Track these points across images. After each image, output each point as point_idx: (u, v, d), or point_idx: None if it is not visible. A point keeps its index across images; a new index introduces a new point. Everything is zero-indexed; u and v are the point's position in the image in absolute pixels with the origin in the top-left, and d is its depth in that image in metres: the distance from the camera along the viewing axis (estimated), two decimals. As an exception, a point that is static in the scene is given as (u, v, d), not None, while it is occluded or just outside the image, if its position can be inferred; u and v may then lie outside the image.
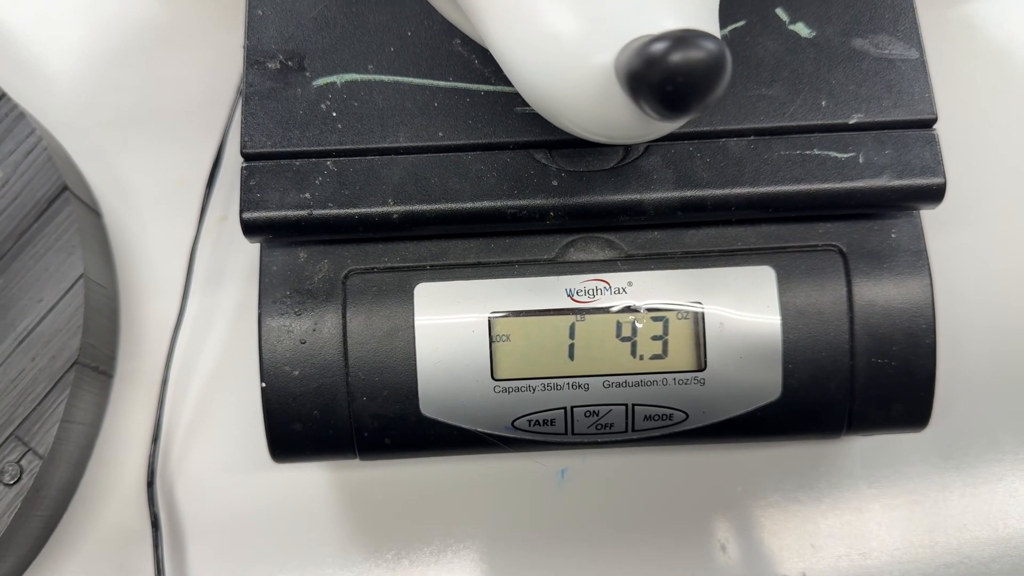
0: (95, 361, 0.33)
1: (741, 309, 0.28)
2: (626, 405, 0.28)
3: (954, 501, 0.33)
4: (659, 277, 0.29)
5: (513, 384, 0.28)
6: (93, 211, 0.35)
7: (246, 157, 0.28)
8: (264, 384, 0.28)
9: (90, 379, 0.33)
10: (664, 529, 0.32)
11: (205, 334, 0.34)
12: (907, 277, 0.29)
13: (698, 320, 0.28)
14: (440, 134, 0.28)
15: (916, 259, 0.29)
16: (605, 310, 0.28)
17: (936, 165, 0.28)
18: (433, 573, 0.32)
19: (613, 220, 0.28)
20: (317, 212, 0.28)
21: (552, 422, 0.29)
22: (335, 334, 0.28)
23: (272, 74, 0.28)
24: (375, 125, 0.28)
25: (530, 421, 0.29)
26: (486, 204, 0.28)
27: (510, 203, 0.28)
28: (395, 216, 0.28)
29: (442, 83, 0.28)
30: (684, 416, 0.29)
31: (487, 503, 0.33)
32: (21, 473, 0.30)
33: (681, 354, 0.28)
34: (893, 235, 0.29)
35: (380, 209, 0.28)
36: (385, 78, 0.29)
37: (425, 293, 0.29)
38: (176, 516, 0.33)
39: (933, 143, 0.28)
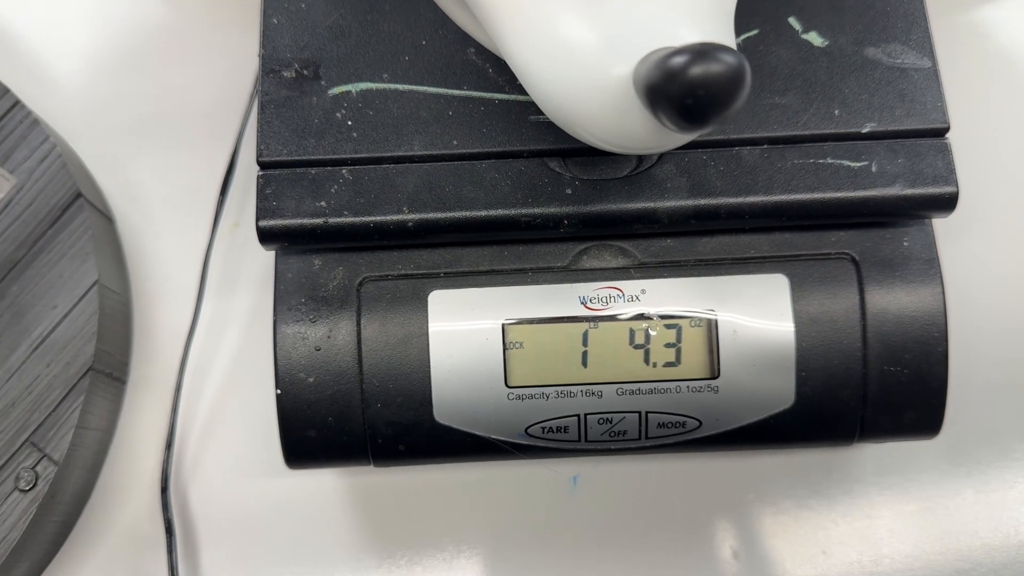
0: (109, 367, 0.33)
1: (754, 317, 0.28)
2: (639, 413, 0.29)
3: (966, 508, 0.33)
4: (672, 285, 0.29)
5: (527, 391, 0.28)
6: (106, 217, 0.36)
7: (262, 165, 0.28)
8: (279, 391, 0.28)
9: (104, 385, 0.33)
10: (676, 535, 0.33)
11: (218, 340, 0.34)
12: (919, 285, 0.29)
13: (711, 328, 0.28)
14: (455, 142, 0.28)
15: (928, 267, 0.29)
16: (618, 318, 0.28)
17: (949, 174, 0.28)
18: (446, 579, 0.32)
19: (626, 228, 0.28)
20: (332, 220, 0.28)
21: (565, 429, 0.29)
22: (350, 341, 0.28)
23: (288, 83, 0.29)
24: (390, 134, 0.28)
25: (544, 428, 0.29)
26: (500, 212, 0.28)
27: (524, 211, 0.28)
28: (410, 224, 0.28)
29: (457, 92, 0.29)
30: (697, 424, 0.29)
31: (500, 509, 0.33)
32: (36, 479, 0.30)
33: (694, 362, 0.28)
34: (905, 243, 0.29)
35: (395, 217, 0.28)
36: (400, 87, 0.29)
37: (439, 300, 0.29)
38: (190, 522, 0.33)
39: (945, 152, 0.28)
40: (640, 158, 0.28)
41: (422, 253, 0.29)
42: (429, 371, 0.28)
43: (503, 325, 0.28)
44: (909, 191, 0.28)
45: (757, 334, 0.28)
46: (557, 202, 0.28)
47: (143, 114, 0.37)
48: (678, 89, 0.19)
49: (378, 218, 0.28)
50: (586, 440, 0.29)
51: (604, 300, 0.29)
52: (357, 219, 0.28)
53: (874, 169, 0.28)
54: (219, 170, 0.35)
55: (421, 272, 0.29)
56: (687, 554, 0.32)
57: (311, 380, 0.28)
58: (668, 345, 0.28)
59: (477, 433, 0.29)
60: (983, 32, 0.37)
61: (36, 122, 0.34)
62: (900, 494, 0.33)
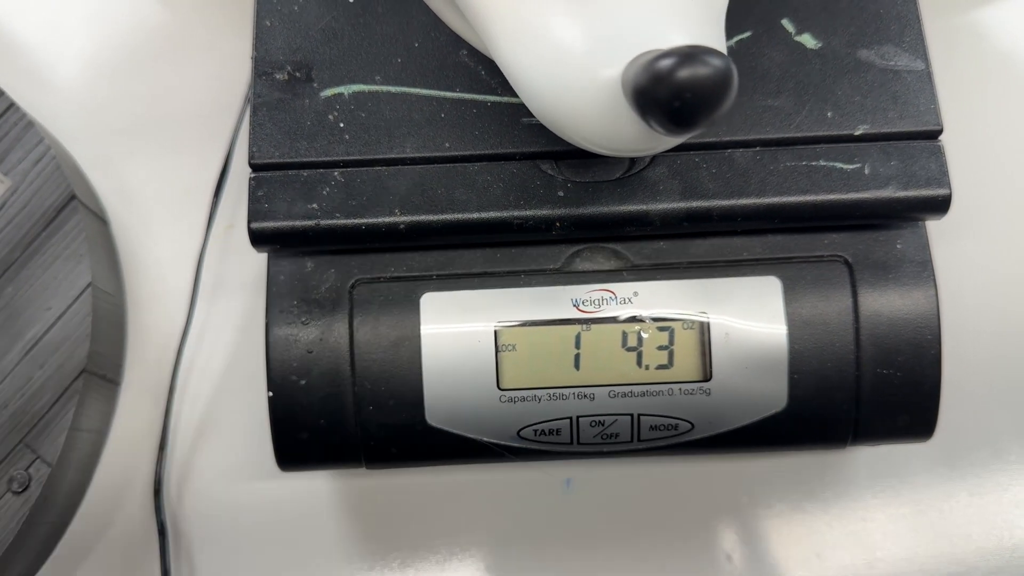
0: (103, 369, 0.33)
1: (747, 319, 0.28)
2: (632, 415, 0.29)
3: (959, 511, 0.33)
4: (665, 287, 0.29)
5: (519, 394, 0.28)
6: (100, 219, 0.36)
7: (254, 168, 0.28)
8: (271, 393, 0.28)
9: (97, 387, 0.33)
10: (669, 539, 0.32)
11: (212, 342, 0.34)
12: (912, 288, 0.29)
13: (704, 330, 0.28)
14: (447, 145, 0.28)
15: (921, 270, 0.29)
16: (611, 320, 0.28)
17: (942, 176, 0.28)
18: (439, 581, 0.32)
19: (619, 230, 0.28)
20: (324, 222, 0.28)
21: (558, 432, 0.29)
22: (342, 343, 0.28)
23: (280, 85, 0.29)
24: (382, 136, 0.28)
25: (536, 431, 0.29)
26: (492, 214, 0.28)
27: (516, 213, 0.28)
28: (402, 226, 0.28)
29: (449, 94, 0.29)
30: (690, 426, 0.29)
31: (493, 511, 0.33)
32: (30, 481, 0.30)
33: (687, 364, 0.28)
34: (899, 246, 0.29)
35: (387, 219, 0.28)
36: (392, 89, 0.29)
37: (431, 303, 0.29)
38: (183, 524, 0.33)
39: (939, 154, 0.28)
40: (632, 160, 0.28)
41: (414, 255, 0.29)
42: (421, 373, 0.28)
43: (495, 328, 0.28)
44: (902, 193, 0.28)
45: (749, 336, 0.28)
46: (549, 204, 0.28)
47: (137, 116, 0.37)
48: (665, 92, 0.19)
49: (370, 220, 0.28)
50: (578, 443, 0.29)
51: (597, 302, 0.29)
52: (349, 221, 0.28)
53: (867, 171, 0.28)
54: (213, 172, 0.35)
55: (413, 274, 0.29)
56: (680, 558, 0.32)
57: (303, 382, 0.28)
58: (660, 347, 0.28)
59: (469, 436, 0.29)
60: (977, 33, 0.37)
61: (31, 124, 0.34)
62: (894, 497, 0.33)
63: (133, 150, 0.37)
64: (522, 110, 0.28)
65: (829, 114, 0.28)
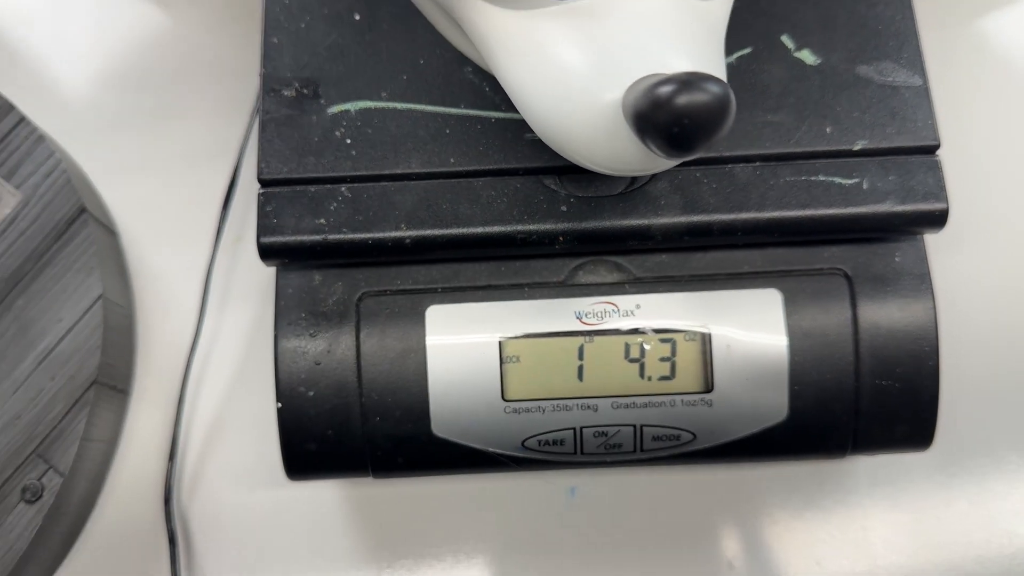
0: (113, 379, 0.33)
1: (748, 331, 0.29)
2: (634, 426, 0.29)
3: (959, 519, 0.33)
4: (667, 299, 0.29)
5: (523, 405, 0.29)
6: (110, 231, 0.36)
7: (263, 183, 0.29)
8: (280, 404, 0.29)
9: (108, 397, 0.33)
10: (672, 547, 0.33)
11: (220, 352, 0.35)
12: (911, 300, 0.29)
13: (705, 342, 0.29)
14: (452, 160, 0.29)
15: (920, 283, 0.29)
16: (614, 332, 0.29)
17: (939, 191, 0.28)
18: (444, 589, 0.33)
19: (621, 244, 0.29)
20: (332, 237, 0.28)
21: (562, 442, 0.29)
22: (349, 355, 0.29)
23: (288, 102, 0.29)
24: (388, 152, 0.29)
25: (540, 441, 0.29)
26: (497, 229, 0.28)
27: (520, 228, 0.28)
28: (408, 241, 0.28)
29: (454, 110, 0.29)
30: (692, 437, 0.29)
31: (498, 519, 0.33)
32: (42, 491, 0.31)
33: (689, 375, 0.29)
34: (897, 259, 0.29)
35: (393, 234, 0.28)
36: (398, 105, 0.29)
37: (437, 315, 0.29)
38: (192, 531, 0.33)
39: (936, 169, 0.28)
40: (634, 176, 0.28)
41: (420, 269, 0.29)
42: (427, 385, 0.29)
43: (500, 340, 0.29)
44: (900, 208, 0.28)
45: (750, 348, 0.29)
46: (553, 219, 0.28)
47: (146, 129, 0.37)
48: (665, 117, 0.19)
49: (377, 235, 0.28)
50: (582, 453, 0.29)
51: (599, 315, 0.29)
52: (356, 236, 0.28)
53: (865, 186, 0.28)
54: (221, 185, 0.35)
55: (419, 287, 0.29)
56: (683, 565, 0.33)
57: (311, 394, 0.29)
58: (663, 359, 0.29)
59: (474, 446, 0.29)
60: (976, 45, 0.38)
61: (41, 138, 0.35)
62: (894, 505, 0.33)
63: (142, 163, 0.37)
64: (526, 126, 0.29)
65: (828, 129, 0.29)
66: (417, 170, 0.29)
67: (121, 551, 0.33)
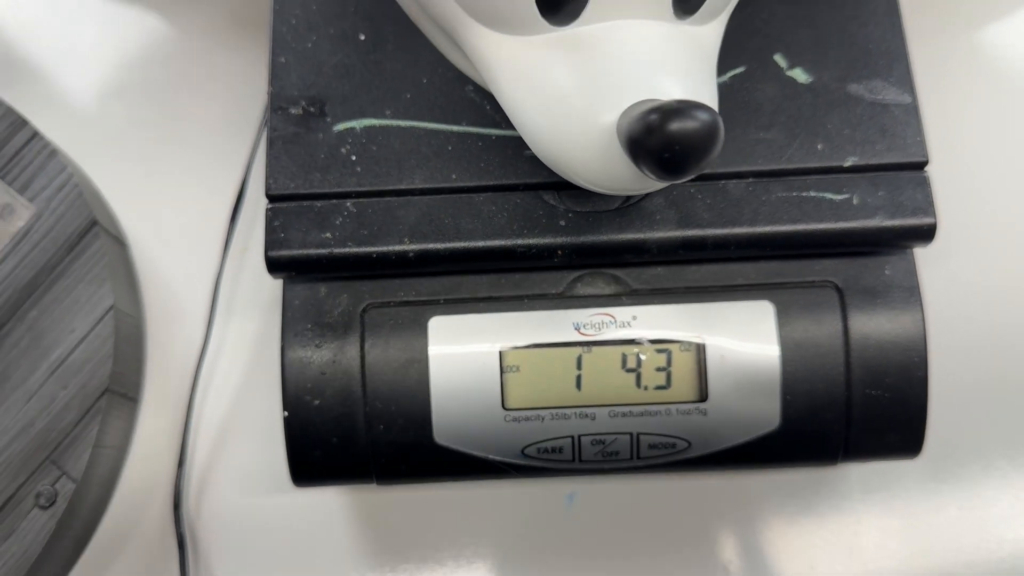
0: (124, 388, 0.34)
1: (741, 342, 0.30)
2: (631, 434, 0.30)
3: (949, 524, 0.34)
4: (662, 311, 0.30)
5: (523, 414, 0.29)
6: (121, 243, 0.37)
7: (270, 199, 0.29)
8: (286, 413, 0.30)
9: (119, 405, 0.34)
10: (668, 551, 0.34)
11: (228, 361, 0.36)
12: (900, 312, 0.30)
13: (700, 352, 0.29)
14: (453, 176, 0.30)
15: (909, 295, 0.30)
16: (611, 343, 0.30)
17: (927, 206, 0.29)
18: (446, 592, 0.33)
19: (618, 257, 0.30)
20: (337, 250, 0.29)
21: (560, 450, 0.30)
22: (354, 365, 0.30)
23: (295, 119, 0.30)
24: (392, 168, 0.30)
25: (539, 449, 0.30)
26: (497, 243, 0.29)
27: (520, 242, 0.29)
28: (411, 254, 0.29)
29: (455, 128, 0.30)
30: (687, 444, 0.30)
31: (498, 525, 0.34)
32: (56, 496, 0.32)
33: (684, 385, 0.29)
34: (887, 272, 0.30)
35: (397, 247, 0.29)
36: (402, 123, 0.30)
37: (439, 326, 0.30)
38: (201, 535, 0.34)
39: (924, 185, 0.29)
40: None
41: (423, 281, 0.30)
42: (429, 394, 0.29)
43: (500, 350, 0.30)
44: (889, 222, 0.29)
45: (744, 359, 0.29)
46: (551, 233, 0.29)
47: (155, 144, 0.38)
48: (657, 143, 0.20)
49: (381, 248, 0.29)
50: (580, 460, 0.30)
51: (597, 326, 0.30)
52: (361, 249, 0.29)
53: (855, 202, 0.29)
54: (229, 197, 0.36)
55: (422, 299, 0.30)
56: (679, 571, 0.33)
57: (317, 403, 0.30)
58: (659, 369, 0.30)
59: (475, 454, 0.30)
60: (967, 62, 0.38)
61: (54, 152, 0.36)
62: (886, 511, 0.34)
63: (151, 176, 0.38)
64: (525, 143, 0.30)
65: (819, 146, 0.29)
66: (420, 186, 0.29)
67: (132, 555, 0.34)
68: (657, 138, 0.20)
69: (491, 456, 0.30)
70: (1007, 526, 0.34)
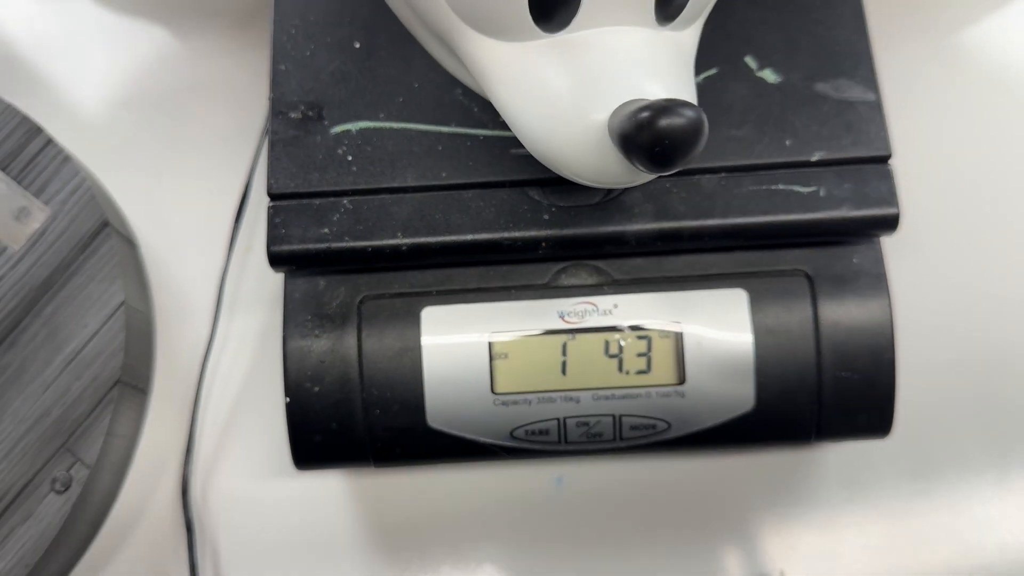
0: (134, 380, 0.36)
1: (717, 328, 0.31)
2: (614, 416, 0.31)
3: (929, 528, 0.34)
4: (642, 300, 0.31)
5: (511, 398, 0.31)
6: (131, 243, 0.39)
7: (272, 197, 0.31)
8: (288, 399, 0.31)
9: (130, 396, 0.36)
10: (652, 531, 0.35)
11: (233, 354, 0.37)
12: (868, 298, 0.31)
13: (678, 338, 0.31)
14: (444, 174, 0.31)
15: (876, 282, 0.31)
16: (594, 330, 0.31)
17: (891, 197, 0.30)
18: (446, 571, 0.35)
19: (600, 249, 0.31)
20: (335, 245, 0.30)
21: (547, 432, 0.31)
22: (351, 354, 0.31)
23: (294, 123, 0.32)
24: (386, 167, 0.31)
25: (527, 431, 0.31)
26: (485, 236, 0.30)
27: (507, 235, 0.30)
28: (404, 248, 0.31)
29: (445, 129, 0.32)
30: (667, 426, 0.31)
31: (490, 506, 0.35)
32: (71, 481, 0.33)
33: (663, 369, 0.31)
34: (855, 260, 0.31)
35: (391, 242, 0.30)
36: (395, 125, 0.32)
37: (431, 316, 0.31)
38: (208, 520, 0.35)
39: (888, 177, 0.31)
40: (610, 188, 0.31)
41: (416, 274, 0.32)
42: (422, 380, 0.31)
43: (489, 338, 0.31)
44: (855, 213, 0.30)
45: (719, 344, 0.31)
46: (536, 227, 0.31)
47: (163, 148, 0.40)
48: (647, 139, 0.22)
49: (376, 243, 0.30)
50: (566, 442, 0.31)
51: (580, 314, 0.31)
52: (357, 244, 0.30)
53: (822, 194, 0.31)
54: (233, 199, 0.38)
55: (415, 291, 0.31)
56: (665, 548, 0.34)
57: (317, 389, 0.31)
58: (639, 354, 0.31)
59: (467, 436, 0.31)
60: (929, 59, 0.40)
61: (67, 158, 0.37)
62: (864, 514, 0.34)
63: (159, 179, 0.39)
64: (511, 142, 0.31)
65: (788, 142, 0.31)
66: (412, 184, 0.31)
67: (142, 537, 0.35)
68: (648, 134, 0.22)
69: (482, 439, 0.31)
70: (986, 530, 0.34)
